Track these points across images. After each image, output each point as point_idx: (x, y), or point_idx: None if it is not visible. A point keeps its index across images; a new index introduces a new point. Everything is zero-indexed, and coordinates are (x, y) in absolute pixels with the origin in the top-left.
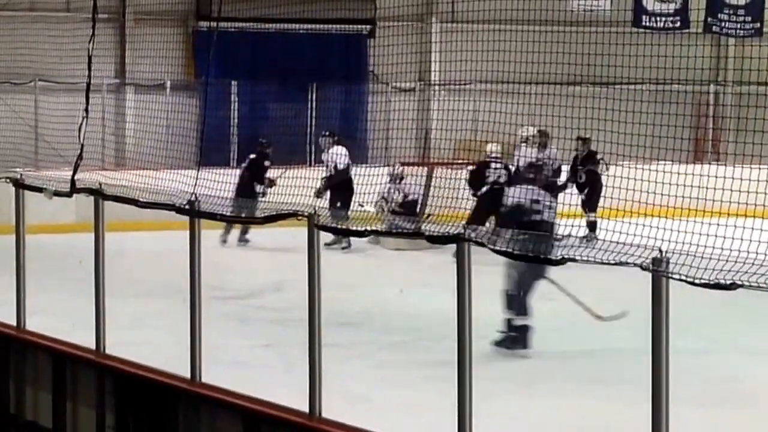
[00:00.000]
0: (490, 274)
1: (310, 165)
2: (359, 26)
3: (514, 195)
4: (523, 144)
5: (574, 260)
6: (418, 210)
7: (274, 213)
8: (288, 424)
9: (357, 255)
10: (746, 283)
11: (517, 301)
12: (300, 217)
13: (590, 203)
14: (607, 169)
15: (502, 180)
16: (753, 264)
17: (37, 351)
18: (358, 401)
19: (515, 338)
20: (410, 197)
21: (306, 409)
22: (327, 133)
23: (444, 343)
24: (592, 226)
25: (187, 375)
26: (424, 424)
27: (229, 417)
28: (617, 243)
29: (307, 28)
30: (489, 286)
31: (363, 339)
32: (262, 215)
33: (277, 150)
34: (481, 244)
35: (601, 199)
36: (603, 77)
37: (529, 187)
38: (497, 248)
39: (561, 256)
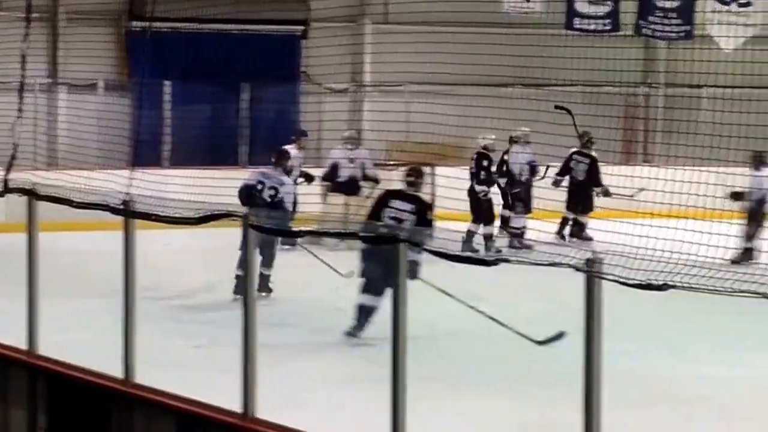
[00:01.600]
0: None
1: (243, 166)
2: (292, 27)
3: None
4: (515, 144)
5: (507, 261)
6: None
7: (209, 213)
8: (222, 425)
9: (293, 255)
10: (678, 284)
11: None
12: (234, 218)
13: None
14: (547, 171)
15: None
16: (685, 265)
17: None
18: (292, 402)
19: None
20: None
21: (240, 409)
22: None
23: (379, 343)
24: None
25: (121, 376)
26: (359, 425)
27: (162, 418)
28: (550, 244)
29: (240, 29)
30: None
31: (298, 339)
32: (197, 216)
33: (208, 151)
34: (417, 245)
35: (535, 201)
36: (535, 79)
37: None
38: (432, 249)
39: (494, 258)
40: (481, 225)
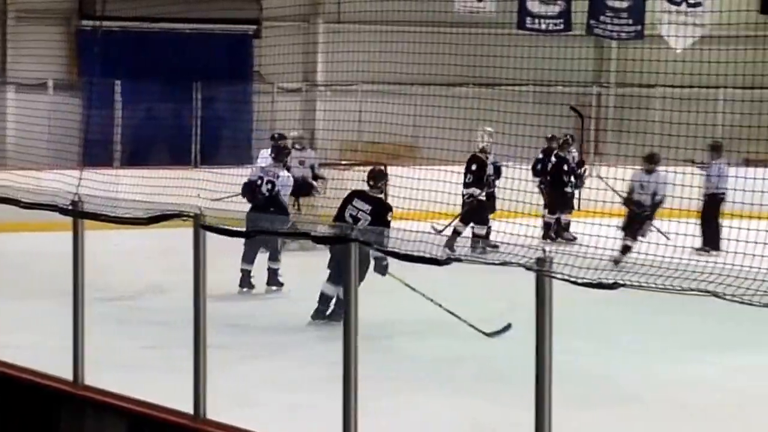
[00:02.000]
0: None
1: (195, 166)
2: (245, 26)
3: None
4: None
5: (459, 260)
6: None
7: (159, 214)
8: (172, 426)
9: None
10: (627, 283)
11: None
12: (185, 218)
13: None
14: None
15: None
16: (635, 263)
17: None
18: (244, 403)
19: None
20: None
21: (191, 410)
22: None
23: (331, 344)
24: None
25: (70, 378)
26: (312, 425)
27: (112, 419)
28: (502, 243)
29: (192, 28)
30: (378, 285)
31: (249, 340)
32: (147, 216)
33: (160, 150)
34: (368, 245)
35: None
36: (487, 78)
37: None
38: (385, 248)
39: (446, 257)
40: (468, 227)
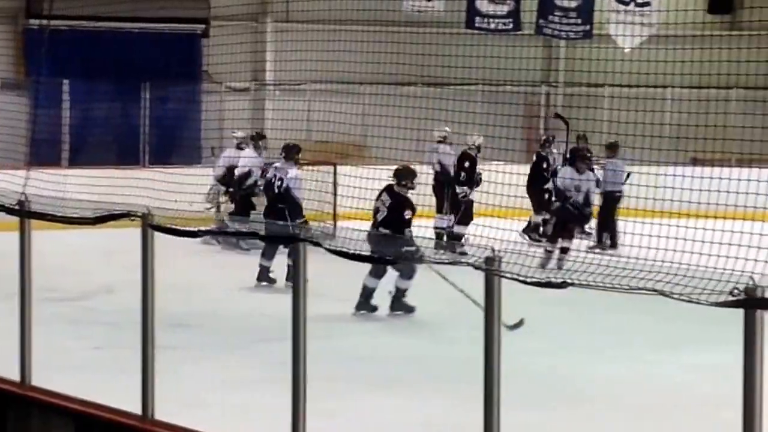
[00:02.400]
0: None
1: (144, 165)
2: (193, 25)
3: None
4: (441, 144)
5: (410, 260)
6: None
7: (106, 213)
8: (120, 426)
9: (193, 256)
10: (576, 282)
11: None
12: (133, 218)
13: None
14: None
15: None
16: (582, 263)
17: None
18: (193, 403)
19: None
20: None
21: (139, 411)
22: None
23: (280, 344)
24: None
25: (17, 378)
26: (260, 426)
27: (60, 420)
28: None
29: (140, 27)
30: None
31: (198, 341)
32: (94, 216)
33: (109, 150)
34: (317, 244)
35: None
36: (436, 78)
37: None
38: (332, 248)
39: (396, 256)
40: (456, 225)
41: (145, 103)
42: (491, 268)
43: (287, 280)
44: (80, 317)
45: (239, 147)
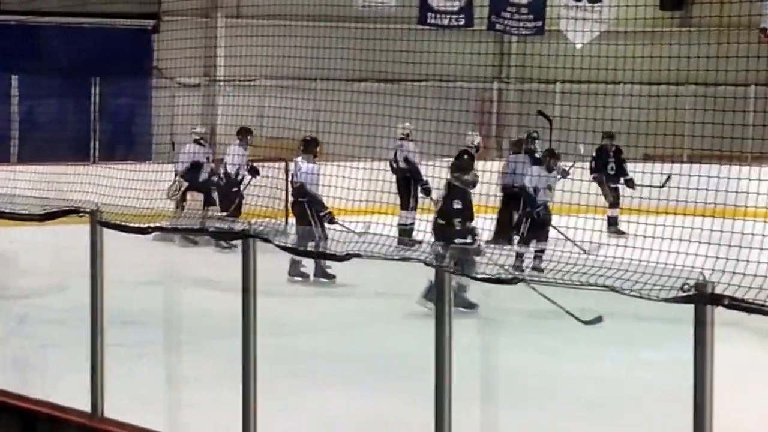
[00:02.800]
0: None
1: (94, 162)
2: (143, 21)
3: None
4: (404, 141)
5: (358, 256)
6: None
7: (55, 210)
8: (69, 424)
9: (145, 252)
10: (527, 278)
11: None
12: (82, 214)
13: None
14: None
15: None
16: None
17: None
18: (143, 401)
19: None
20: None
21: (88, 409)
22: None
23: (230, 341)
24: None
25: None
26: (211, 424)
27: (8, 418)
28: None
29: (90, 22)
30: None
31: (147, 338)
32: (42, 212)
33: (58, 146)
34: (268, 241)
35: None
36: (388, 74)
37: None
38: (281, 244)
39: (345, 252)
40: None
41: (95, 99)
42: (441, 265)
43: (315, 276)
44: (29, 315)
45: (198, 142)
